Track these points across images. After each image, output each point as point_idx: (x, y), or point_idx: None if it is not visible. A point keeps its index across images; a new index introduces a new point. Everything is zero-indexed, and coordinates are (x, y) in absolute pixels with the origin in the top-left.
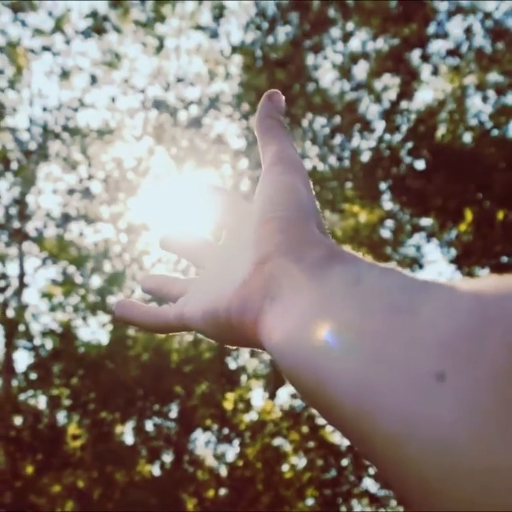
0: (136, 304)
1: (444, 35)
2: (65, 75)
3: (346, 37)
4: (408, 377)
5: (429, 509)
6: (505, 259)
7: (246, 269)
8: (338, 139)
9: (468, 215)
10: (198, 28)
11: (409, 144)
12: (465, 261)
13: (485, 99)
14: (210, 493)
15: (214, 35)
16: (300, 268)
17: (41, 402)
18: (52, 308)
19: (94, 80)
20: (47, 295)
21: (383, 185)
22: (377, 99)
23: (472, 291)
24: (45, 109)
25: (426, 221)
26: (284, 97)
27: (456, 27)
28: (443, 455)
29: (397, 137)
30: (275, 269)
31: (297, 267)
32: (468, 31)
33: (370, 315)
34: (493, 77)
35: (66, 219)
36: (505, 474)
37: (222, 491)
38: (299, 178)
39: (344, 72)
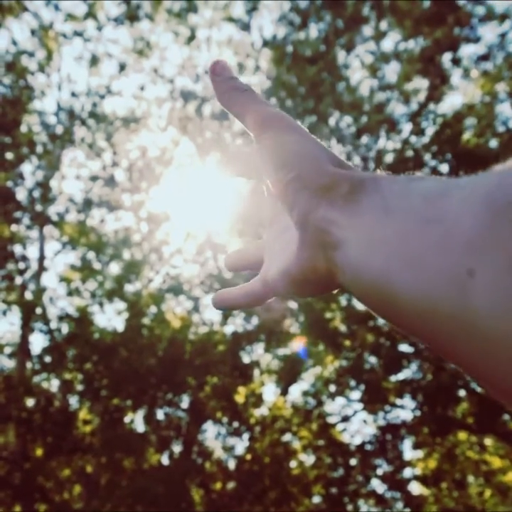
0: (228, 291)
1: (476, 40)
2: (94, 61)
3: (379, 36)
4: (446, 278)
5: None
6: None
7: (297, 234)
8: (364, 139)
9: None
10: (230, 20)
11: (434, 147)
12: None
13: None
14: (218, 485)
15: (246, 27)
16: (336, 212)
17: (54, 385)
18: (70, 293)
19: (123, 67)
20: (65, 280)
21: None
22: (406, 101)
23: (482, 187)
24: (73, 95)
25: None
26: (226, 61)
27: (488, 32)
28: (485, 336)
29: (423, 140)
30: (317, 222)
31: (333, 212)
32: (502, 37)
33: (406, 238)
34: None
35: (88, 205)
36: None
37: (230, 484)
38: (288, 131)
39: (374, 71)
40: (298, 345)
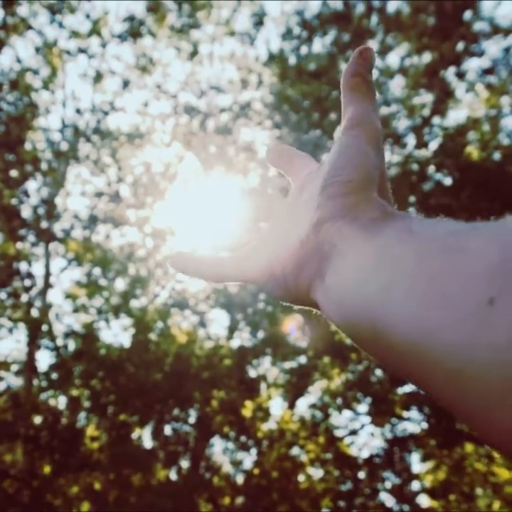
0: (190, 255)
1: (481, 54)
2: (98, 77)
3: (385, 50)
4: (461, 309)
5: (491, 428)
6: None
7: (303, 231)
8: None
9: None
10: (233, 34)
11: (438, 160)
12: None
13: None
14: (226, 500)
15: (251, 41)
16: (354, 227)
17: (61, 402)
18: (76, 310)
19: (126, 84)
20: (71, 296)
21: (410, 200)
22: (411, 115)
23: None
24: (77, 111)
25: None
26: (375, 53)
27: (492, 46)
28: (502, 374)
29: (426, 153)
30: (330, 231)
31: (351, 227)
32: (506, 51)
33: (422, 259)
34: None
35: (93, 221)
36: None
37: (238, 499)
38: (370, 142)
39: (379, 86)
40: (289, 326)
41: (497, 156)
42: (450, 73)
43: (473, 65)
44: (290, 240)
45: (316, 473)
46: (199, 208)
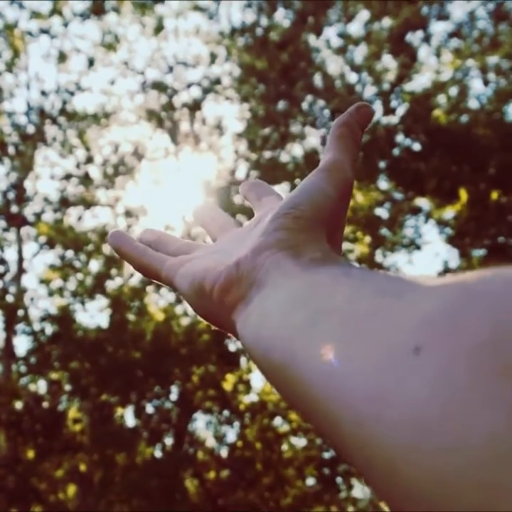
0: (132, 241)
1: (446, 17)
2: (62, 57)
3: (347, 18)
4: (383, 353)
5: (395, 494)
6: (502, 239)
7: (243, 252)
8: None
9: (463, 196)
10: (197, 8)
11: (405, 126)
12: (460, 241)
13: (486, 82)
14: (211, 474)
15: (213, 16)
16: (292, 262)
17: (42, 386)
18: (51, 293)
19: (91, 62)
20: (45, 281)
21: (380, 166)
22: (377, 81)
23: (457, 279)
24: (42, 93)
25: (422, 201)
26: (374, 114)
27: (458, 9)
28: (413, 434)
29: (394, 119)
30: (268, 260)
31: (290, 262)
32: (471, 14)
33: (353, 299)
34: (495, 59)
35: (64, 203)
36: (476, 451)
37: (223, 472)
38: (336, 188)
39: (344, 54)
40: None
41: (465, 119)
42: (416, 38)
43: (438, 29)
44: (229, 259)
45: (299, 442)
46: (170, 185)
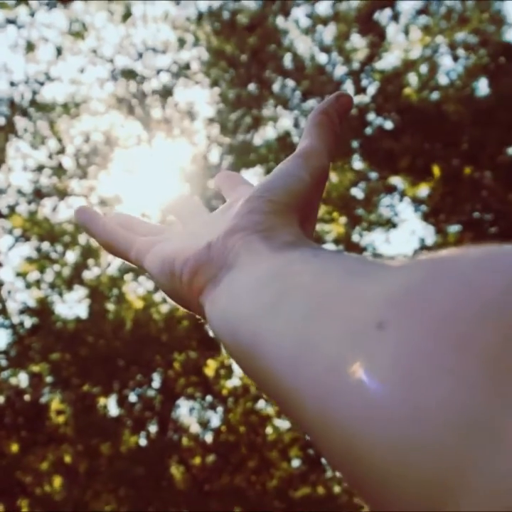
0: (100, 217)
1: None
2: (30, 47)
3: None
4: (347, 329)
5: (354, 472)
6: (476, 214)
7: (215, 235)
8: (310, 103)
9: (436, 172)
10: None
11: (377, 105)
12: (435, 218)
13: (455, 58)
14: (197, 460)
15: (180, 1)
16: (264, 245)
17: (23, 379)
18: (28, 286)
19: (60, 51)
20: (22, 274)
21: (354, 146)
22: (347, 61)
23: (424, 258)
24: (11, 84)
25: (396, 180)
26: (353, 104)
27: None
28: (371, 405)
29: (365, 98)
30: (240, 241)
31: (262, 244)
32: None
33: (320, 277)
34: (463, 35)
35: (38, 195)
36: (432, 421)
37: (209, 458)
38: (312, 175)
39: (313, 34)
40: None
41: (436, 96)
42: (384, 16)
43: (406, 7)
44: (201, 241)
45: (283, 424)
46: (144, 173)
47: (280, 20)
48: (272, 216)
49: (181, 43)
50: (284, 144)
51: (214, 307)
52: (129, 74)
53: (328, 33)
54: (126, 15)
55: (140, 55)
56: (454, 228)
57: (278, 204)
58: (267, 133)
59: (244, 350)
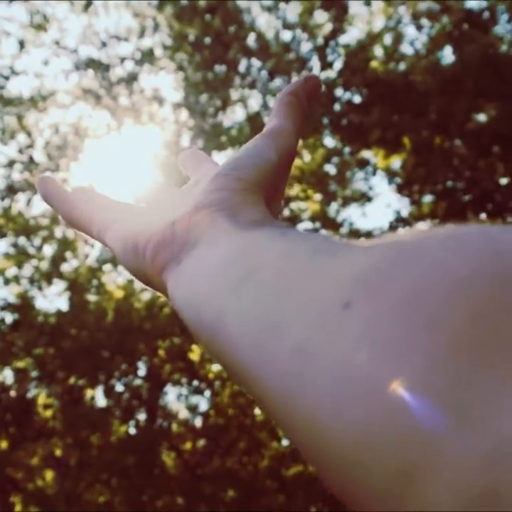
0: (63, 190)
1: None
2: None
3: None
4: (312, 309)
5: (317, 453)
6: (449, 183)
7: (179, 212)
8: (277, 82)
9: (407, 144)
10: None
11: (344, 79)
12: (409, 189)
13: (419, 27)
14: (188, 445)
15: None
16: (229, 222)
17: (8, 376)
18: (7, 282)
19: (22, 45)
20: (0, 270)
21: (324, 122)
22: (312, 37)
23: (391, 238)
24: None
25: (368, 154)
26: (321, 86)
27: None
28: (334, 386)
29: (332, 73)
30: (205, 218)
31: (228, 222)
32: None
33: (287, 256)
34: (426, 4)
35: (11, 190)
36: (395, 402)
37: (199, 442)
38: (280, 154)
39: (276, 11)
40: None
41: (402, 67)
42: None
43: None
44: (165, 218)
45: None
46: (116, 162)
47: (242, 1)
48: (239, 194)
49: (143, 29)
50: (254, 125)
51: (177, 286)
52: (94, 63)
53: (291, 10)
54: (88, 4)
55: (104, 44)
56: (428, 198)
57: (245, 182)
58: (237, 115)
59: (207, 330)
